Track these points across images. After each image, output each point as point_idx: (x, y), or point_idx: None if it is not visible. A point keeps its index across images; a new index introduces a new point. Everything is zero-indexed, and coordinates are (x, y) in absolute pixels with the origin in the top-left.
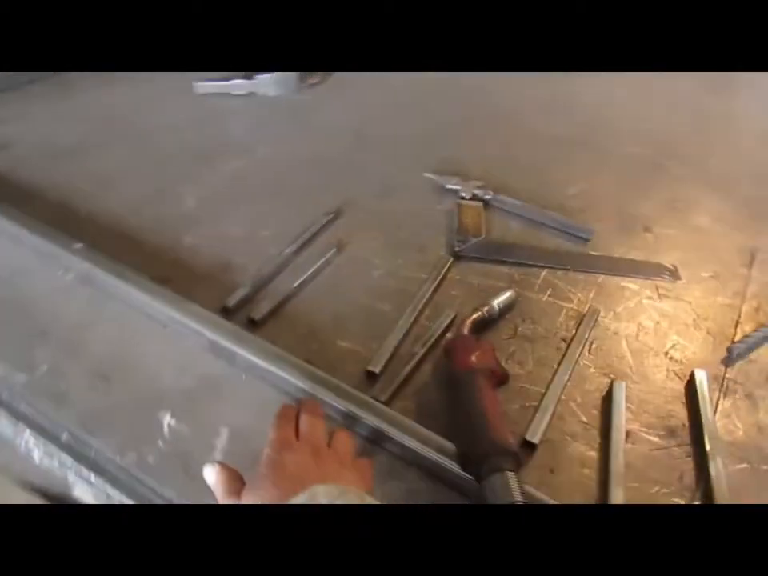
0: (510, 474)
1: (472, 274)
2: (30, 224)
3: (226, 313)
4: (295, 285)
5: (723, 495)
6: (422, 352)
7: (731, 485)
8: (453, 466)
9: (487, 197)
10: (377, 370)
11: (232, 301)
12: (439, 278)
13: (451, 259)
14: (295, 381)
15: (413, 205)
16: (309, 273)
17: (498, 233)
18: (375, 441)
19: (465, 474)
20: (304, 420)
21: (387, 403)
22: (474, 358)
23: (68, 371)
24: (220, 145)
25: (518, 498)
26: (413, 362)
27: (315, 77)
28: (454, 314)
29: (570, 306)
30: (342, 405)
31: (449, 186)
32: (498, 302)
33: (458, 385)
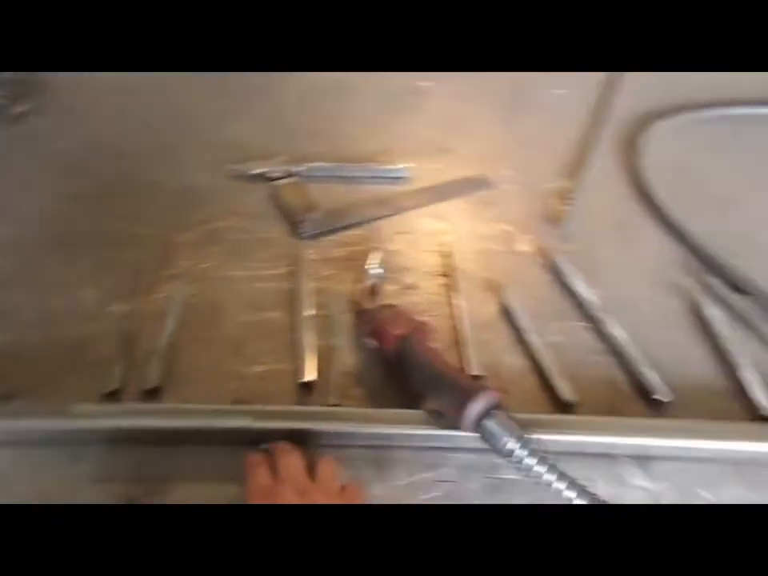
0: (501, 413)
1: (330, 249)
2: None
3: (113, 397)
4: (168, 333)
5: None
6: (340, 342)
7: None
8: (443, 431)
9: (299, 169)
10: (312, 377)
11: (113, 381)
12: (303, 264)
13: (302, 243)
14: (248, 426)
15: (231, 203)
16: (174, 315)
17: (327, 201)
18: (356, 445)
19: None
20: (279, 462)
21: (340, 405)
22: (396, 326)
23: None
24: None
25: (517, 432)
26: (339, 356)
27: (22, 103)
28: (345, 294)
29: (429, 241)
30: (308, 426)
31: (255, 172)
32: (374, 265)
33: (400, 358)
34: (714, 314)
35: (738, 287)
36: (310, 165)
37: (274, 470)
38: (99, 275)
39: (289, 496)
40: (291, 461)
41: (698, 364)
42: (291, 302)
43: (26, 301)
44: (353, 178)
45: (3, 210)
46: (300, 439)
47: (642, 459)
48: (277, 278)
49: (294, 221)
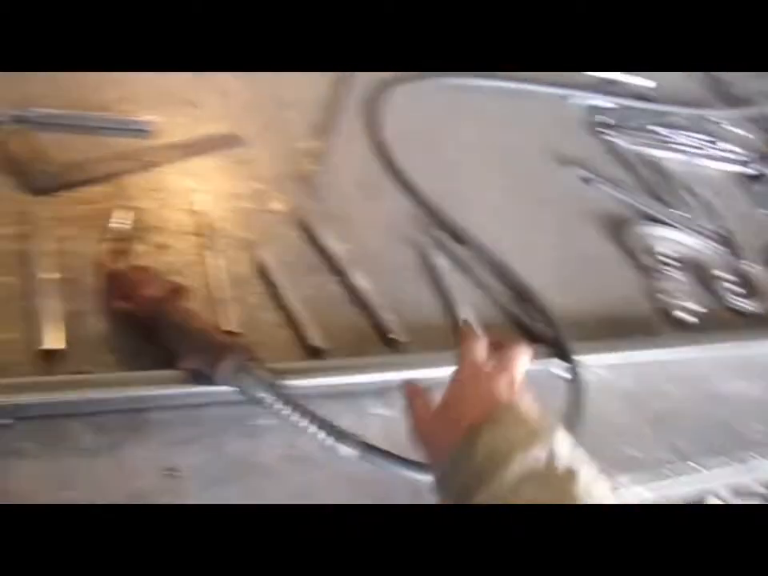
0: (253, 365)
1: (69, 206)
2: None
3: None
4: None
5: None
6: (87, 307)
7: None
8: (199, 388)
9: (24, 114)
10: (56, 345)
11: None
12: (37, 223)
13: (34, 199)
14: None
15: None
16: None
17: (62, 152)
18: (109, 411)
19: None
20: (509, 352)
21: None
22: (149, 288)
23: None
24: None
25: (270, 381)
26: (87, 321)
27: None
28: (90, 255)
29: (180, 199)
30: (54, 398)
31: None
32: (121, 223)
33: (154, 320)
34: (440, 262)
35: (458, 238)
36: (39, 111)
37: (491, 350)
38: None
39: (503, 384)
40: (519, 355)
41: (427, 306)
42: (24, 265)
43: None
44: (90, 128)
45: None
46: (48, 410)
47: (381, 391)
48: (5, 238)
49: (22, 174)
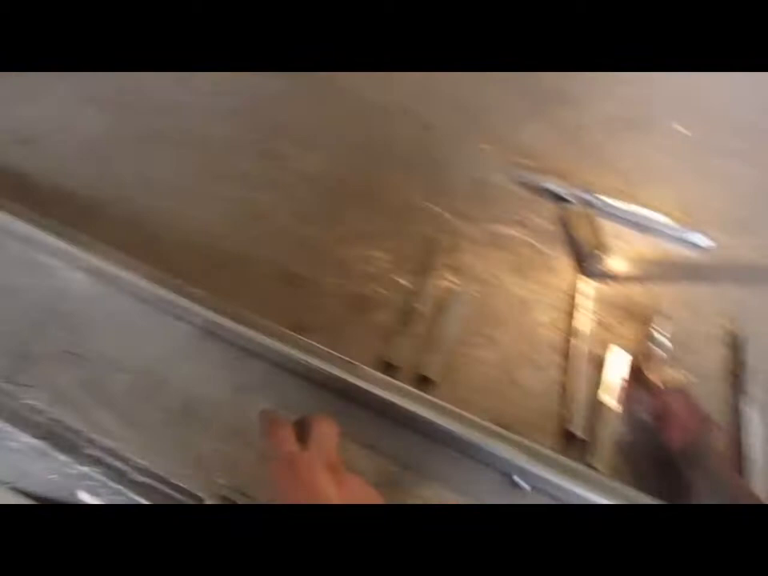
0: None
1: (612, 296)
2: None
3: (390, 368)
4: (450, 327)
5: None
6: (610, 401)
7: None
8: None
9: (590, 198)
10: (580, 433)
11: (394, 355)
12: (584, 303)
13: (584, 278)
14: (509, 457)
15: (518, 211)
16: (454, 310)
17: (616, 243)
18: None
19: None
20: (314, 428)
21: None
22: (686, 417)
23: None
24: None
25: None
26: (607, 416)
27: None
28: (623, 351)
29: (715, 324)
30: (568, 485)
31: (546, 186)
32: (660, 332)
33: (684, 453)
34: None
35: None
36: (604, 199)
37: (300, 436)
38: (390, 241)
39: (319, 470)
40: (328, 430)
41: None
42: (567, 338)
43: (321, 239)
44: (644, 227)
45: (320, 143)
46: (556, 491)
47: None
48: (554, 307)
49: (581, 253)
